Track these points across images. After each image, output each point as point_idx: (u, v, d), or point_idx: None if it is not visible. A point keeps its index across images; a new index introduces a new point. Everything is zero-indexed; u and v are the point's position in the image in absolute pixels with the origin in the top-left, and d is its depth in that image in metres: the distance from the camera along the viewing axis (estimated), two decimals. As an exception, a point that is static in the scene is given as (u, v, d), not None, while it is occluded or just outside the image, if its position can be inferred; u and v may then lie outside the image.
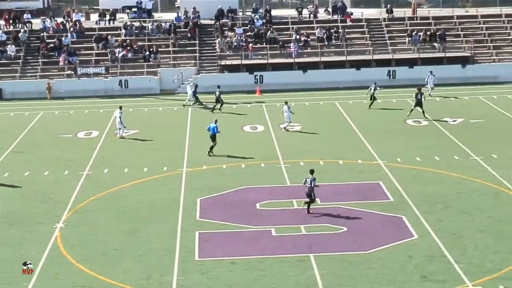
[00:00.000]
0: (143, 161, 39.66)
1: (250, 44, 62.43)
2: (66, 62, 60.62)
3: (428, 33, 63.07)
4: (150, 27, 64.97)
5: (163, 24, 65.37)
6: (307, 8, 68.61)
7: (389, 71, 59.78)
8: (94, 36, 63.40)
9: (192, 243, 28.36)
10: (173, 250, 27.78)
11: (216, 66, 61.12)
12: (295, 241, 28.50)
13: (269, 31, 63.55)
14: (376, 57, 61.25)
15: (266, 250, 27.57)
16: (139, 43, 62.81)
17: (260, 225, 30.10)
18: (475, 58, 61.28)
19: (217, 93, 51.48)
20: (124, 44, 62.38)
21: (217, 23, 65.11)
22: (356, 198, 32.95)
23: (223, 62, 60.93)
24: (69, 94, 58.08)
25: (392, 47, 62.58)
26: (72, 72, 59.71)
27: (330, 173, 36.36)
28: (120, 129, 44.95)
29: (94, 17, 69.87)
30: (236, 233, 29.52)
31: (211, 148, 40.32)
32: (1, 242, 29.13)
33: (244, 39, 62.89)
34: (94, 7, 75.63)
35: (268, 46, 62.39)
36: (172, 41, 63.02)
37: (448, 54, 61.37)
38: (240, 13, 70.28)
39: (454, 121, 47.22)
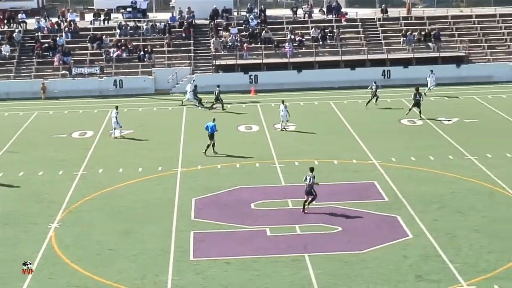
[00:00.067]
0: (138, 161, 39.62)
1: (245, 44, 62.40)
2: (60, 62, 60.53)
3: (423, 33, 63.10)
4: (144, 27, 64.89)
5: (157, 24, 65.29)
6: (302, 8, 68.53)
7: (383, 71, 59.76)
8: (88, 36, 63.30)
9: (187, 243, 28.33)
10: (168, 250, 27.75)
11: (211, 66, 61.06)
12: (289, 241, 28.49)
13: (264, 31, 63.54)
14: (370, 57, 61.24)
15: (260, 250, 27.55)
16: (134, 43, 62.74)
17: (254, 225, 30.08)
18: (470, 58, 61.33)
19: (217, 92, 51.47)
20: (119, 44, 62.32)
21: (212, 23, 65.05)
22: (351, 198, 32.94)
23: (218, 62, 60.87)
24: (64, 94, 57.95)
25: (386, 47, 62.56)
26: (67, 72, 59.59)
27: (325, 173, 36.30)
28: (115, 129, 44.87)
29: (89, 17, 69.78)
30: (231, 233, 29.50)
31: (207, 147, 40.21)
32: (-5, 242, 29.12)
33: (238, 39, 62.86)
34: (89, 7, 75.53)
35: (263, 46, 62.33)
36: (167, 41, 62.94)
37: (442, 54, 61.37)
38: (235, 13, 70.16)
39: (449, 120, 47.25)
